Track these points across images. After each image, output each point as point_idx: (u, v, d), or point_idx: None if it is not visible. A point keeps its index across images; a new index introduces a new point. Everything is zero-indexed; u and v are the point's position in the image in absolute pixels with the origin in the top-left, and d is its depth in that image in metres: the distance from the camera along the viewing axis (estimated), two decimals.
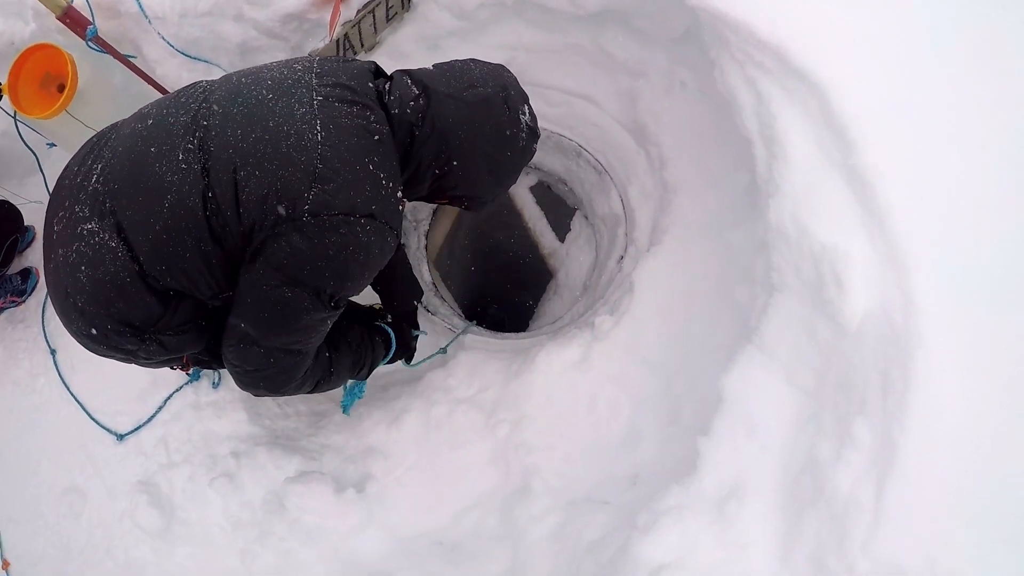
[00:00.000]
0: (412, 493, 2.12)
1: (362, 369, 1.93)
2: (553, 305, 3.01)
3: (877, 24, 1.47)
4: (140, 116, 1.46)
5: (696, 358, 2.05)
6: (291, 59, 1.50)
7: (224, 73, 1.52)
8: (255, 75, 1.43)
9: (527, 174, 2.95)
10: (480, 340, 2.54)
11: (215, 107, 1.36)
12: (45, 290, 2.63)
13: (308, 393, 1.73)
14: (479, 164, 1.45)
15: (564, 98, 2.52)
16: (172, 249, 1.34)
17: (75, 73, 2.23)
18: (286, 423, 2.37)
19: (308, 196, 1.27)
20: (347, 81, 1.38)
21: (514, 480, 2.09)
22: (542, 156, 2.79)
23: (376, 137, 1.35)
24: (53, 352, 2.36)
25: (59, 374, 2.35)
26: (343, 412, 2.32)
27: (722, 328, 2.00)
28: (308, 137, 1.29)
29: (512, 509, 2.02)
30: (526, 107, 1.50)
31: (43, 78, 2.38)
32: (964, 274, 1.33)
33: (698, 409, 1.94)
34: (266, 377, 1.52)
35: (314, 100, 1.33)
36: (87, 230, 1.36)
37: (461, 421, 2.21)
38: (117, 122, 1.54)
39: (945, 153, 1.39)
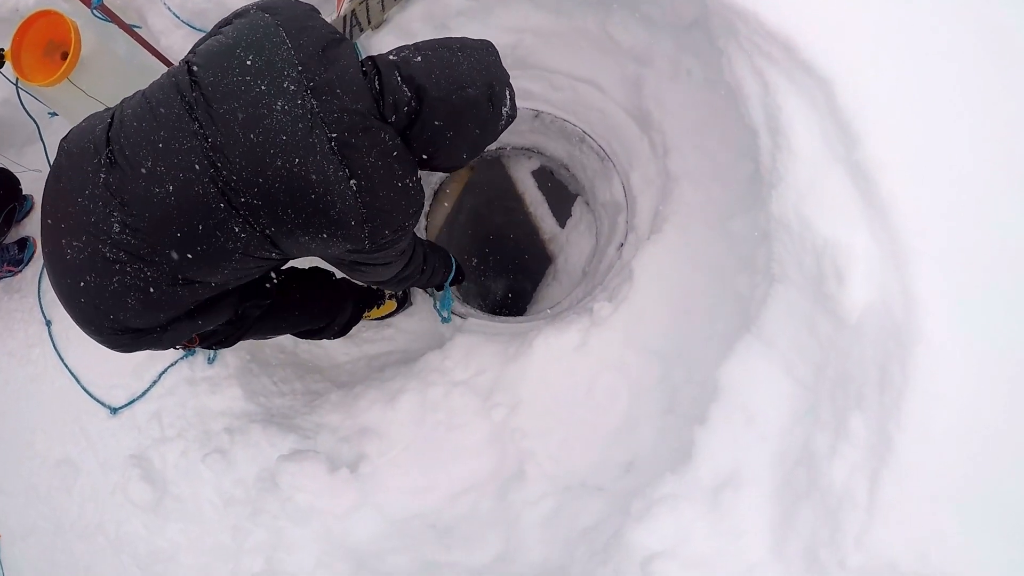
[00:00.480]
0: (406, 474, 2.12)
1: (446, 265, 2.31)
2: (551, 290, 3.00)
3: (886, 19, 1.45)
4: (148, 175, 1.39)
5: (694, 346, 2.06)
6: (263, 64, 1.39)
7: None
8: (255, 119, 1.36)
9: (530, 158, 2.93)
10: (478, 323, 2.54)
11: (245, 186, 1.36)
12: (41, 260, 2.62)
13: (428, 279, 2.16)
14: (459, 150, 1.58)
15: (569, 83, 2.50)
16: (238, 276, 1.56)
17: (78, 41, 2.20)
18: (281, 401, 2.37)
19: (364, 235, 1.46)
20: (352, 104, 1.39)
21: (509, 464, 2.09)
22: (545, 141, 2.78)
23: (393, 154, 1.45)
24: (48, 323, 2.35)
25: (54, 346, 2.33)
26: (446, 322, 2.60)
27: (721, 317, 2.00)
28: (348, 194, 1.39)
29: (506, 493, 2.03)
30: (507, 97, 1.58)
31: (46, 45, 2.36)
32: (966, 271, 1.32)
33: (695, 397, 1.94)
34: (401, 281, 1.91)
35: (334, 147, 1.37)
36: (131, 269, 1.43)
37: (457, 403, 2.21)
38: (102, 148, 1.44)
39: (950, 149, 1.38)
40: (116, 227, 1.39)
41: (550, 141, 2.76)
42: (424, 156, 1.56)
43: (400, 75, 1.45)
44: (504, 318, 2.65)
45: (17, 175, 2.68)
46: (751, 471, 1.57)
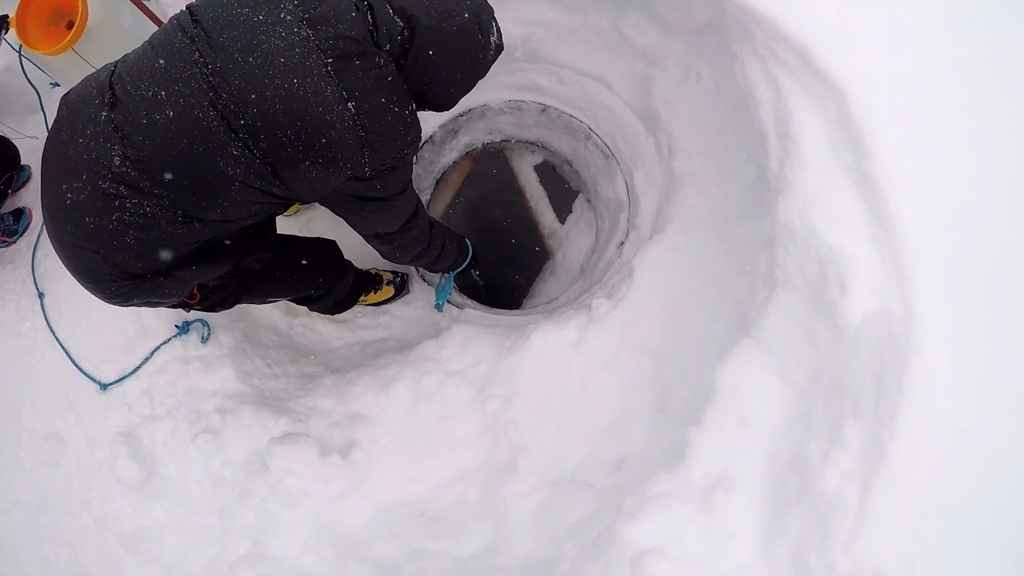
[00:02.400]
0: (397, 462, 2.11)
1: (461, 254, 2.38)
2: (548, 285, 3.00)
3: (901, 33, 1.47)
4: (147, 101, 1.40)
5: (690, 348, 2.06)
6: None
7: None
8: (253, 45, 1.39)
9: (533, 152, 2.92)
10: (475, 314, 2.53)
11: (244, 105, 1.37)
12: (36, 232, 2.58)
13: (439, 257, 2.20)
14: (452, 82, 1.61)
15: (578, 79, 2.49)
16: (239, 213, 1.55)
17: (85, 10, 2.18)
18: (274, 383, 2.35)
19: (364, 160, 1.48)
20: (347, 31, 1.42)
21: (501, 456, 2.09)
22: (550, 136, 2.77)
23: (389, 80, 1.47)
24: (41, 296, 2.32)
25: (46, 319, 2.30)
26: (438, 309, 2.60)
27: (719, 321, 2.01)
28: (346, 116, 1.41)
29: (497, 485, 2.03)
30: (494, 27, 1.62)
31: (52, 14, 2.33)
32: (965, 288, 1.34)
33: (688, 399, 1.95)
34: (407, 244, 1.96)
35: (330, 70, 1.39)
36: (131, 204, 1.42)
37: (451, 393, 2.20)
38: (105, 88, 1.46)
39: (957, 166, 1.39)
40: (116, 160, 1.39)
41: (555, 136, 2.76)
42: (418, 90, 1.59)
43: (391, 7, 1.48)
44: (502, 310, 2.65)
45: (16, 144, 2.63)
46: (743, 474, 1.59)
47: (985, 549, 1.27)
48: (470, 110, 2.60)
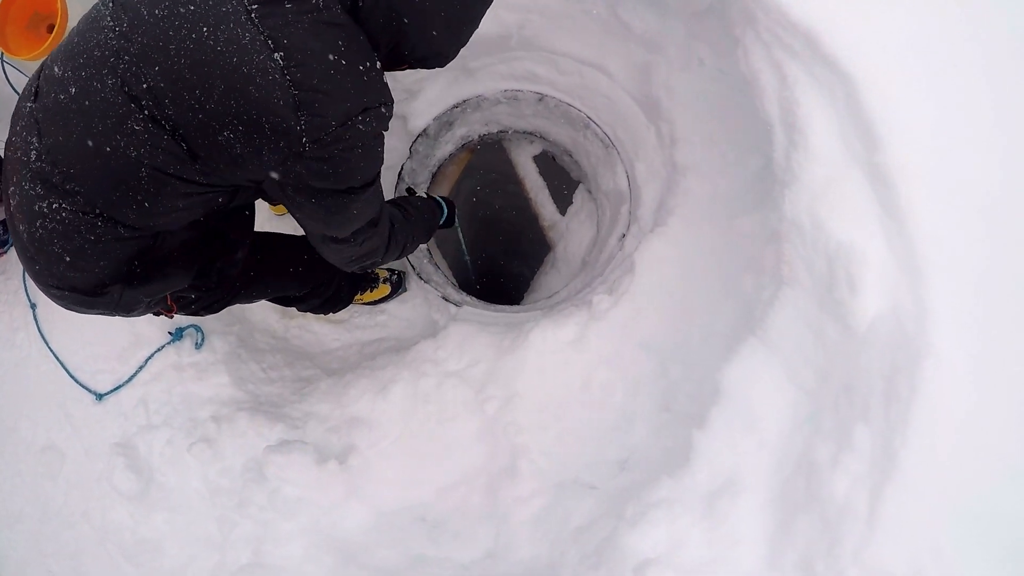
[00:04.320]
0: (396, 467, 2.09)
1: (432, 228, 2.08)
2: (550, 279, 2.95)
3: (915, 18, 1.39)
4: (56, 82, 1.26)
5: (694, 345, 2.02)
6: None
7: None
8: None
9: (532, 143, 2.86)
10: (472, 312, 2.49)
11: (150, 65, 1.17)
12: None
13: (405, 253, 1.87)
14: (435, 22, 1.31)
15: (576, 67, 2.42)
16: (161, 209, 1.31)
17: (64, 12, 2.13)
18: (270, 388, 2.33)
19: (300, 127, 1.19)
20: None
21: (501, 459, 2.06)
22: (548, 125, 2.70)
23: (333, 24, 1.22)
24: (33, 306, 2.29)
25: (39, 329, 2.27)
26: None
27: (724, 317, 1.96)
28: (270, 68, 1.16)
29: (498, 489, 2.00)
30: None
31: (31, 18, 2.29)
32: (981, 287, 1.28)
33: (693, 397, 1.91)
34: (363, 254, 1.61)
35: (251, 15, 1.16)
36: (47, 206, 1.28)
37: (449, 395, 2.16)
38: (35, 79, 1.34)
39: (973, 160, 1.33)
40: (33, 154, 1.26)
41: (553, 126, 2.69)
42: (391, 41, 1.32)
43: None
44: (500, 307, 2.61)
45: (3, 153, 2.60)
46: (749, 478, 1.54)
47: (1000, 558, 1.23)
48: (465, 101, 2.53)
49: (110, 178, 1.24)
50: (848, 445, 1.37)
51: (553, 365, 2.12)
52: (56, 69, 1.26)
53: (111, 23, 1.21)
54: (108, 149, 1.21)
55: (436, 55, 1.41)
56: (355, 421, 2.14)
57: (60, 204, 1.27)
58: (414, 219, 1.88)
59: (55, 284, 1.39)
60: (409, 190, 2.32)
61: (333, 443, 2.11)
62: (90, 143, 1.21)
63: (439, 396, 2.15)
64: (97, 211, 1.28)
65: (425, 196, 2.17)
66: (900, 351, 1.31)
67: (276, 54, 1.15)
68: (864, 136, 1.38)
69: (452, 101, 2.52)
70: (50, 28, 2.20)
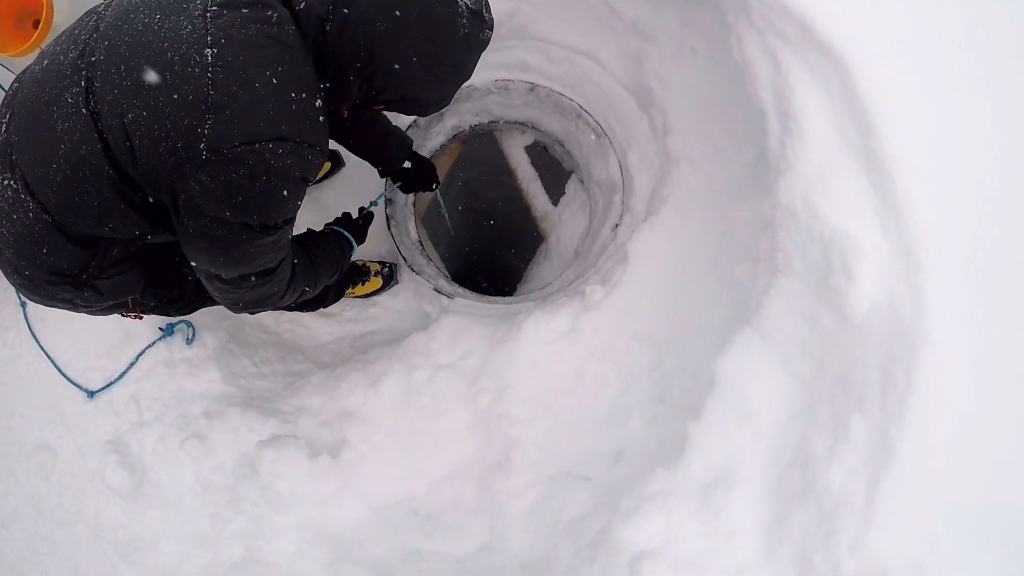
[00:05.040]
0: (389, 460, 2.07)
1: (341, 267, 1.84)
2: (542, 269, 2.93)
3: (911, 4, 1.38)
4: (41, 55, 1.33)
5: (688, 335, 2.00)
6: None
7: None
8: None
9: (523, 133, 2.82)
10: (464, 304, 2.47)
11: (103, 41, 1.20)
12: None
13: (299, 300, 1.67)
14: (408, 60, 1.22)
15: (567, 55, 2.38)
16: (78, 198, 1.24)
17: (50, 7, 2.11)
18: (261, 383, 2.31)
19: (203, 131, 1.12)
20: None
21: (494, 451, 2.05)
22: (540, 115, 2.67)
23: (279, 42, 1.16)
24: (23, 304, 2.25)
25: (29, 328, 2.24)
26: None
27: (718, 307, 1.94)
28: (196, 61, 1.11)
29: (491, 482, 1.99)
30: None
31: (17, 14, 2.27)
32: (977, 276, 1.27)
33: (688, 389, 1.90)
34: (252, 301, 1.48)
35: (206, 12, 1.14)
36: (1, 184, 1.30)
37: (442, 388, 2.15)
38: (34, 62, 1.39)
39: (972, 145, 1.31)
40: (3, 127, 1.30)
41: (545, 116, 2.66)
42: (361, 71, 1.23)
43: None
44: (492, 298, 2.58)
45: None
46: (744, 470, 1.53)
47: (997, 549, 1.22)
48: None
49: (39, 148, 1.23)
50: (844, 436, 1.36)
51: (546, 356, 2.10)
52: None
53: (102, 8, 1.25)
54: (43, 118, 1.21)
55: (413, 100, 1.33)
56: (347, 415, 2.13)
57: (6, 177, 1.28)
58: (319, 262, 1.70)
59: (5, 267, 1.41)
60: (360, 209, 2.09)
61: (325, 437, 2.09)
62: (33, 112, 1.23)
63: (431, 389, 2.14)
64: (31, 189, 1.26)
65: (329, 230, 1.94)
66: (897, 341, 1.30)
67: (208, 50, 1.12)
68: (859, 123, 1.37)
69: None
70: (36, 23, 2.17)
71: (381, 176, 2.20)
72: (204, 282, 1.42)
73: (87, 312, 1.55)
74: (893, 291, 1.32)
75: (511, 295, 2.83)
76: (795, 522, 1.40)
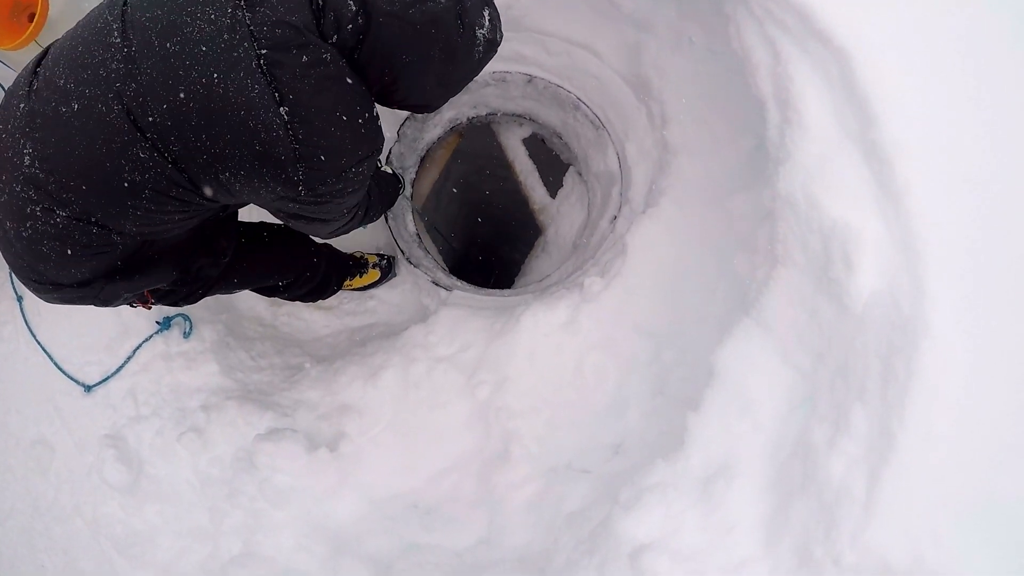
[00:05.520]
0: (387, 453, 2.07)
1: (393, 199, 2.16)
2: (540, 262, 2.92)
3: None
4: (58, 91, 1.25)
5: (687, 327, 2.00)
6: None
7: None
8: (176, 27, 1.19)
9: (521, 125, 2.82)
10: (463, 296, 2.46)
11: (158, 102, 1.18)
12: None
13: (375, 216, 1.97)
14: (428, 80, 1.35)
15: (564, 47, 2.37)
16: (159, 220, 1.36)
17: (45, 2, 2.12)
18: (259, 376, 2.30)
19: (298, 178, 1.26)
20: (286, 16, 1.18)
21: (494, 444, 2.05)
22: (537, 107, 2.66)
23: (338, 80, 1.24)
24: (20, 299, 2.24)
25: (25, 322, 2.23)
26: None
27: (716, 298, 1.94)
28: (275, 123, 1.19)
29: (490, 474, 1.99)
30: (486, 16, 1.34)
31: (12, 8, 2.27)
32: (978, 267, 1.26)
33: (687, 380, 1.90)
34: (331, 233, 1.67)
35: (262, 64, 1.16)
36: (41, 210, 1.29)
37: (440, 380, 2.15)
38: (30, 77, 1.33)
39: (973, 135, 1.30)
40: (27, 159, 1.26)
41: (543, 108, 2.65)
42: (382, 88, 1.35)
43: None
44: (490, 290, 2.58)
45: None
46: (744, 462, 1.53)
47: (999, 541, 1.22)
48: None
49: (110, 195, 1.26)
50: (845, 427, 1.35)
51: (545, 349, 2.10)
52: (59, 77, 1.25)
53: (119, 41, 1.20)
54: (110, 169, 1.23)
55: (425, 106, 1.48)
56: (345, 408, 2.12)
57: (54, 210, 1.28)
58: (376, 199, 1.91)
59: (36, 279, 1.41)
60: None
61: (324, 430, 2.09)
62: (92, 162, 1.23)
63: (430, 382, 2.14)
64: (93, 220, 1.30)
65: (389, 171, 2.22)
66: (897, 331, 1.29)
67: (282, 108, 1.18)
68: (859, 113, 1.35)
69: None
70: (31, 17, 2.16)
71: None
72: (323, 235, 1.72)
73: (107, 306, 1.60)
74: (893, 281, 1.31)
75: (509, 288, 2.82)
76: (795, 514, 1.39)
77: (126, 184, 1.24)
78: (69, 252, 1.33)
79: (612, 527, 1.56)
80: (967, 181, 1.29)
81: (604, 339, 2.08)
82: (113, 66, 1.19)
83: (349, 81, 1.26)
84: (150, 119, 1.18)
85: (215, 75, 1.16)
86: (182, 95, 1.17)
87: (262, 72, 1.17)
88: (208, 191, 1.31)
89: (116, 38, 1.20)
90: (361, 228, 1.86)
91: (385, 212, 2.16)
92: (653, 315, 2.07)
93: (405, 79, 1.32)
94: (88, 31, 1.27)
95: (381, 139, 1.40)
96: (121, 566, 2.03)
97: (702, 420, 1.61)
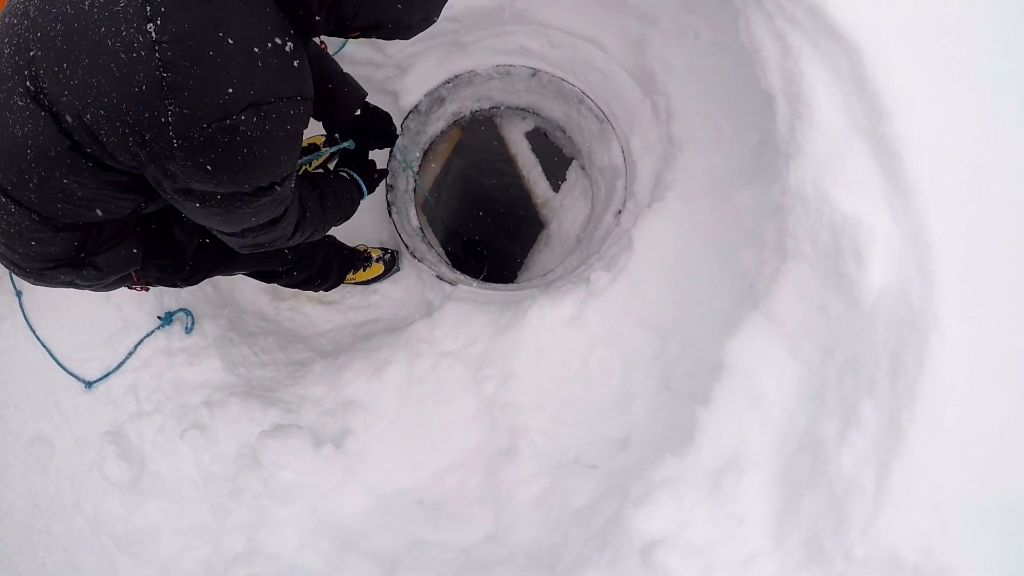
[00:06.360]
0: (393, 450, 2.06)
1: (348, 213, 1.77)
2: (543, 256, 2.91)
3: None
4: None
5: (694, 321, 2.00)
6: None
7: None
8: None
9: (524, 119, 2.80)
10: (467, 291, 2.45)
11: (35, 32, 1.06)
12: None
13: (312, 239, 1.63)
14: None
15: (569, 40, 2.36)
16: (61, 194, 1.17)
17: None
18: (262, 372, 2.28)
19: (167, 119, 1.02)
20: None
21: (500, 440, 2.04)
22: (541, 101, 2.64)
23: None
24: (19, 294, 2.21)
25: (25, 317, 2.20)
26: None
27: (724, 292, 1.94)
28: (139, 42, 0.98)
29: (497, 470, 1.98)
30: None
31: None
32: (989, 260, 1.27)
33: (692, 375, 1.90)
34: (257, 244, 1.42)
35: None
36: None
37: (446, 375, 2.14)
38: None
39: (983, 129, 1.31)
40: None
41: (546, 101, 2.63)
42: (321, 6, 1.12)
43: None
44: (496, 285, 2.57)
45: None
46: (754, 456, 1.53)
47: (1007, 533, 1.23)
48: (457, 76, 2.47)
49: (5, 157, 1.13)
50: (854, 421, 1.36)
51: (551, 343, 2.09)
52: None
53: None
54: (0, 125, 1.10)
55: (392, 24, 1.21)
56: (350, 404, 2.11)
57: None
58: (329, 207, 1.64)
59: (38, 263, 1.36)
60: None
61: (329, 427, 2.08)
62: None
63: (435, 377, 2.13)
64: (10, 194, 1.17)
65: (345, 176, 1.83)
66: (906, 325, 1.29)
67: (149, 24, 0.98)
68: (869, 108, 1.36)
69: (443, 76, 2.45)
70: None
71: (328, 131, 1.89)
72: (231, 242, 1.41)
73: (90, 289, 1.51)
74: (903, 276, 1.32)
75: (512, 282, 2.81)
76: (805, 507, 1.40)
77: (11, 141, 1.10)
78: (12, 232, 1.24)
79: (623, 522, 1.55)
80: (976, 176, 1.29)
81: (610, 334, 2.07)
82: (15, 8, 1.09)
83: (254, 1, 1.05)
84: (30, 54, 1.05)
85: None
86: (52, 19, 1.03)
87: None
88: (82, 146, 1.09)
89: None
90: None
91: (338, 225, 1.75)
92: (659, 309, 2.06)
93: None
94: None
95: (297, 87, 1.12)
96: (122, 564, 2.01)
97: (711, 414, 1.61)
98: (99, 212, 1.25)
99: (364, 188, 1.80)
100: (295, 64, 1.12)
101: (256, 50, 1.04)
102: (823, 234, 1.45)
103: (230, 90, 1.03)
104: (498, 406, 2.06)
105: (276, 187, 1.22)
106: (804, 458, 1.45)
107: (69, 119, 1.06)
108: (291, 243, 1.53)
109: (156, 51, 0.99)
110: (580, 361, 2.08)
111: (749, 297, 1.73)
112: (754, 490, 1.48)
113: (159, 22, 0.98)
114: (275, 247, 1.49)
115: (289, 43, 1.09)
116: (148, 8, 0.98)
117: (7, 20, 1.10)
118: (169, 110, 1.01)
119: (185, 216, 1.38)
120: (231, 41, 1.01)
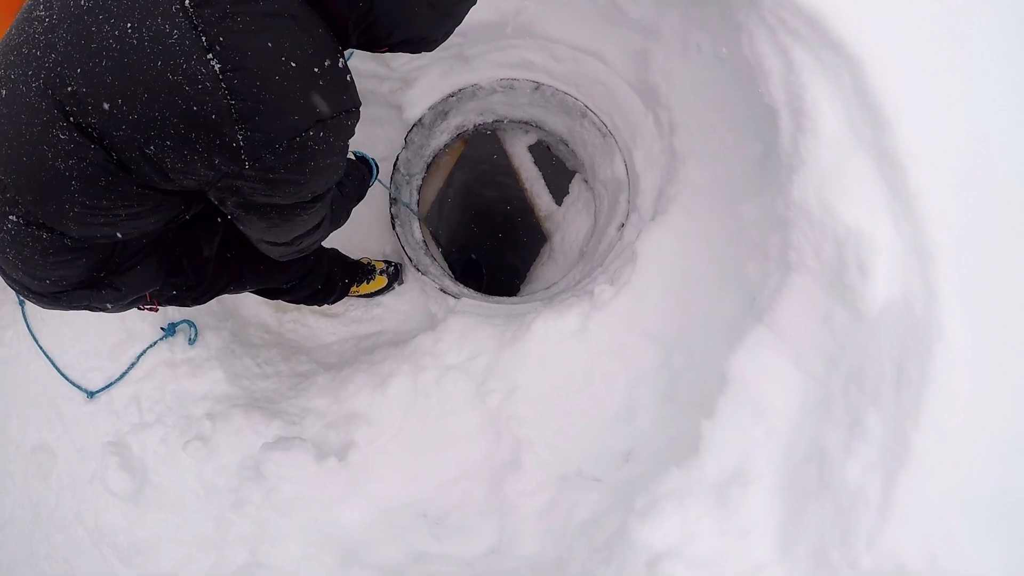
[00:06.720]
0: (396, 462, 2.06)
1: (363, 193, 1.85)
2: (547, 270, 2.92)
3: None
4: None
5: (698, 334, 2.00)
6: None
7: None
8: None
9: (527, 132, 2.82)
10: (471, 304, 2.46)
11: (73, 67, 1.03)
12: None
13: (342, 221, 1.68)
14: (411, 6, 1.15)
15: (572, 54, 2.38)
16: (103, 217, 1.18)
17: None
18: (265, 384, 2.28)
19: (239, 144, 1.05)
20: None
21: (504, 452, 2.04)
22: (544, 114, 2.66)
23: (280, 16, 1.04)
24: (21, 303, 2.22)
25: (27, 326, 2.20)
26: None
27: (726, 305, 1.94)
28: (203, 72, 1.00)
29: (501, 483, 1.97)
30: None
31: (16, 10, 2.20)
32: (993, 270, 1.27)
33: (696, 387, 1.89)
34: (298, 251, 1.49)
35: (187, 6, 0.98)
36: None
37: (450, 388, 2.14)
38: None
39: (985, 141, 1.31)
40: None
41: (549, 115, 2.65)
42: (358, 23, 1.14)
43: None
44: (500, 298, 2.57)
45: None
46: (759, 467, 1.53)
47: (1014, 542, 1.22)
48: (460, 90, 2.49)
49: (42, 190, 1.12)
50: (859, 432, 1.36)
51: (555, 356, 2.09)
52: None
53: (42, 13, 1.07)
54: (36, 160, 1.08)
55: (420, 40, 1.24)
56: (354, 416, 2.11)
57: (6, 214, 1.17)
58: (348, 192, 1.71)
59: (13, 285, 1.35)
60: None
61: (332, 439, 2.07)
62: (17, 152, 1.09)
63: (439, 390, 2.12)
64: (40, 222, 1.17)
65: (352, 157, 1.90)
66: (910, 336, 1.30)
67: (209, 56, 0.99)
68: (872, 120, 1.36)
69: (447, 90, 2.47)
70: None
71: None
72: (254, 242, 1.43)
73: (104, 311, 1.51)
74: (907, 286, 1.32)
75: (514, 295, 2.82)
76: (811, 518, 1.40)
77: (52, 174, 1.09)
78: (36, 259, 1.23)
79: (628, 535, 1.55)
80: (979, 186, 1.30)
81: (614, 346, 2.08)
82: (34, 40, 1.06)
83: (300, 19, 1.07)
84: (68, 89, 1.03)
85: (128, 24, 0.99)
86: (94, 54, 1.00)
87: (184, 15, 0.99)
88: (139, 175, 1.11)
89: (40, 10, 1.07)
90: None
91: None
92: (662, 322, 2.07)
93: (386, 7, 1.11)
94: (23, 12, 1.13)
95: (352, 99, 1.18)
96: (123, 574, 2.00)
97: (716, 426, 1.62)
98: (135, 230, 1.28)
99: (374, 166, 1.87)
100: (348, 79, 1.18)
101: (316, 70, 1.08)
102: (827, 246, 1.46)
103: (298, 111, 1.07)
104: (502, 419, 2.06)
105: (329, 192, 1.30)
106: (809, 469, 1.45)
107: (128, 152, 1.07)
108: (322, 238, 1.58)
109: (222, 81, 1.01)
110: (584, 374, 2.08)
111: (753, 309, 1.73)
112: (760, 501, 1.47)
113: (219, 51, 1.00)
114: (312, 249, 1.54)
115: (340, 59, 1.15)
116: (204, 39, 0.99)
117: (26, 51, 1.08)
118: (240, 135, 1.04)
119: (211, 233, 1.46)
120: (293, 64, 1.05)
